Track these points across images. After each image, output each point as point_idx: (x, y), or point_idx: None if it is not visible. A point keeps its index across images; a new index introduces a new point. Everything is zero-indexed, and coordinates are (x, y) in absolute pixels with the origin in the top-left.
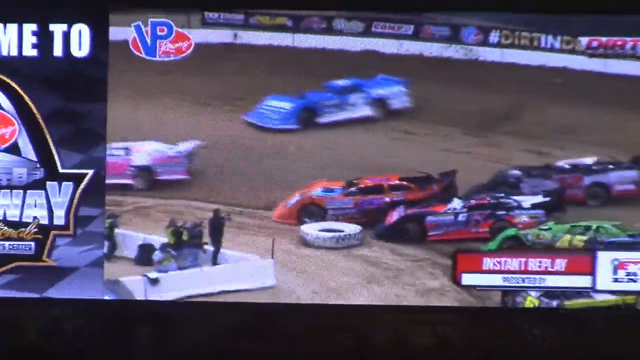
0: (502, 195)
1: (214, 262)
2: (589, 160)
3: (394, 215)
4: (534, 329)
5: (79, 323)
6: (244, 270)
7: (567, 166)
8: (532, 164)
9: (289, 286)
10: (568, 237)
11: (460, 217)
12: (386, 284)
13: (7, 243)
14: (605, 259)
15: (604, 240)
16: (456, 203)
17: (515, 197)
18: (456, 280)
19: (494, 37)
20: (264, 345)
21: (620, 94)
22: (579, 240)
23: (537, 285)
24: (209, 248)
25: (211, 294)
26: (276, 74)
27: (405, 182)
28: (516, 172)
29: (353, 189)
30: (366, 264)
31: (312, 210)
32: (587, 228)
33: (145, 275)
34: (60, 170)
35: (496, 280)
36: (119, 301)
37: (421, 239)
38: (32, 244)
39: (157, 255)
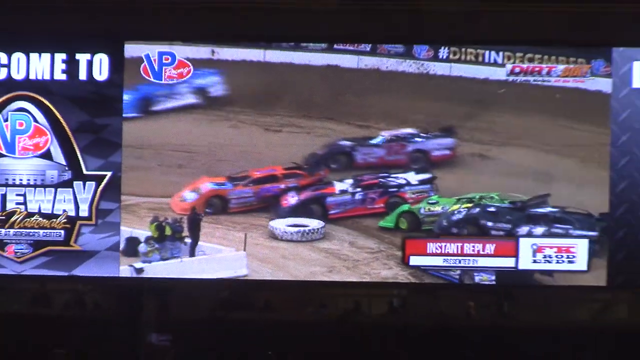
0: (388, 174)
1: (192, 253)
2: (408, 130)
3: (291, 199)
4: (469, 302)
5: (98, 296)
6: (219, 261)
7: (391, 136)
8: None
9: (260, 275)
10: (456, 206)
11: (357, 196)
12: (345, 273)
13: (41, 231)
14: (526, 244)
15: (488, 207)
16: (346, 184)
17: (401, 175)
18: (405, 262)
19: (443, 52)
20: (248, 314)
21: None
22: (466, 206)
23: (471, 265)
24: (188, 241)
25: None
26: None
27: (297, 170)
28: (347, 142)
29: (249, 179)
30: (328, 255)
31: (214, 202)
32: (471, 200)
33: (132, 265)
34: (85, 172)
35: (437, 261)
36: (130, 278)
37: (323, 217)
38: (62, 231)
39: (142, 247)
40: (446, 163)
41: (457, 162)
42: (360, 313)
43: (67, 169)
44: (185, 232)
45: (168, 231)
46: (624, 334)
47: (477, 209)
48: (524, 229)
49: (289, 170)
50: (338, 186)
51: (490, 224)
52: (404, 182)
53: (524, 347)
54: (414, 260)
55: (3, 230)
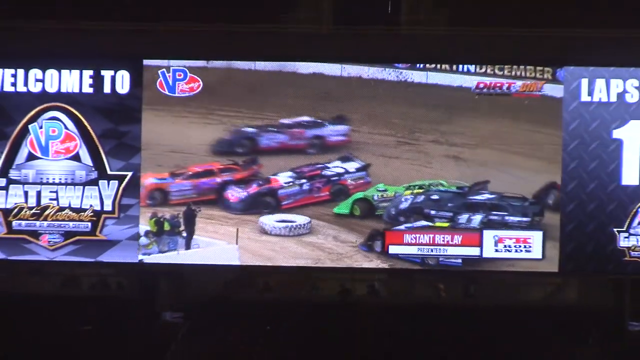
0: (325, 165)
1: (188, 246)
2: (306, 118)
3: (237, 194)
4: (439, 283)
5: (120, 279)
6: (213, 253)
7: (291, 122)
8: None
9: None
10: (408, 192)
11: (305, 187)
12: (330, 265)
13: (71, 223)
14: (489, 236)
15: (431, 195)
16: (287, 177)
17: (339, 165)
18: (385, 251)
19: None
20: (250, 294)
21: None
22: (417, 192)
23: (441, 254)
24: (184, 235)
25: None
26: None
27: (232, 165)
28: (251, 129)
29: (187, 174)
30: (314, 248)
31: (155, 195)
32: (421, 186)
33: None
34: (109, 172)
35: (413, 250)
36: (148, 263)
37: (276, 208)
38: (89, 223)
39: (142, 240)
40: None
41: (433, 162)
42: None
43: (93, 169)
44: (182, 227)
45: (167, 226)
46: (573, 313)
47: (422, 198)
48: (464, 217)
49: (225, 165)
50: (281, 179)
51: (433, 212)
52: (342, 170)
53: (487, 324)
54: (393, 249)
55: (38, 222)
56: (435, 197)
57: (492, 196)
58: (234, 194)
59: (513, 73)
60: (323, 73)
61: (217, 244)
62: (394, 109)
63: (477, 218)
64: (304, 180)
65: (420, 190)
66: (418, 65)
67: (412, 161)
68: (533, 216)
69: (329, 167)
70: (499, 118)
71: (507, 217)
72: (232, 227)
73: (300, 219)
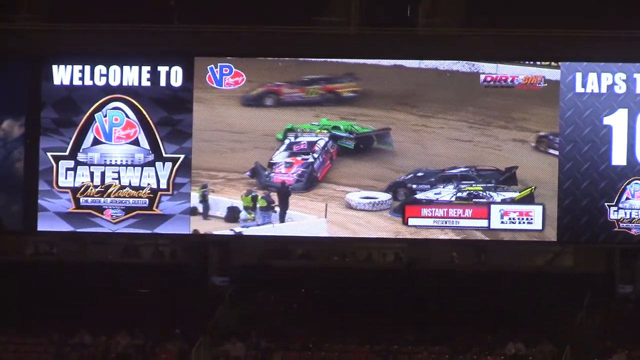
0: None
1: (282, 220)
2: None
3: (287, 177)
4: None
5: (173, 248)
6: (304, 226)
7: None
8: None
9: (336, 235)
10: (317, 130)
11: (320, 159)
12: (407, 235)
13: (131, 199)
14: (495, 209)
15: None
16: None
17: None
18: (405, 222)
19: None
20: (287, 261)
21: None
22: (322, 132)
23: (453, 225)
24: (277, 209)
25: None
26: None
27: None
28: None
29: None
30: (394, 222)
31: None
32: (323, 127)
33: (232, 230)
34: (164, 155)
35: (429, 222)
36: (197, 234)
37: (316, 181)
38: (147, 200)
39: (242, 214)
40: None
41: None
42: (373, 261)
43: (150, 152)
44: (275, 203)
45: (261, 202)
46: (570, 276)
47: (410, 175)
48: (438, 189)
49: None
50: (300, 158)
51: (414, 186)
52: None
53: (495, 286)
54: (412, 222)
55: (102, 199)
56: (420, 174)
57: (465, 169)
58: (284, 178)
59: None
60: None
61: (308, 218)
62: None
63: (450, 188)
64: (315, 154)
65: (325, 131)
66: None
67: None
68: (497, 184)
69: (320, 139)
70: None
71: (475, 184)
72: (322, 203)
73: (382, 196)
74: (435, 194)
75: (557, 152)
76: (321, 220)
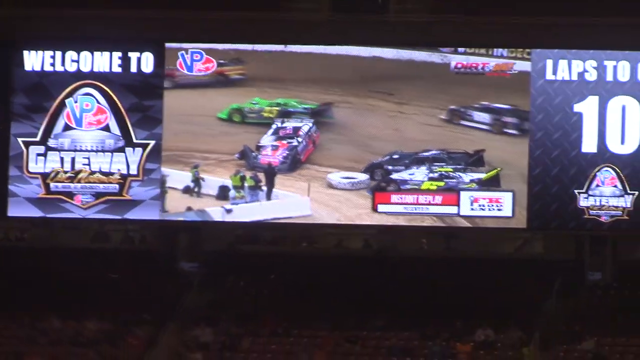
0: (282, 123)
1: (268, 198)
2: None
3: (272, 159)
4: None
5: (143, 233)
6: (289, 204)
7: None
8: None
9: (319, 214)
10: (268, 108)
11: (303, 142)
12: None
13: (101, 185)
14: (465, 196)
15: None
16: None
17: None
18: (374, 209)
19: None
20: (257, 246)
21: None
22: (275, 109)
23: (423, 212)
24: (265, 189)
25: (266, 220)
26: None
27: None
28: None
29: None
30: (369, 200)
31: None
32: (278, 104)
33: (223, 207)
34: (135, 141)
35: (399, 209)
36: (167, 220)
37: (299, 163)
38: (117, 185)
39: (232, 193)
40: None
41: None
42: (341, 247)
43: (121, 138)
44: (263, 182)
45: (249, 182)
46: (539, 263)
47: (387, 157)
48: (412, 170)
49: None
50: (285, 141)
51: (390, 167)
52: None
53: (464, 272)
54: (381, 208)
55: (72, 184)
56: (395, 156)
57: (437, 152)
58: (270, 159)
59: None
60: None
61: (292, 196)
62: None
63: (423, 169)
64: (299, 138)
65: (277, 108)
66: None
67: None
68: (466, 166)
69: (303, 125)
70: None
71: (445, 165)
72: (305, 182)
73: (360, 176)
74: (410, 174)
75: (472, 124)
76: (304, 199)
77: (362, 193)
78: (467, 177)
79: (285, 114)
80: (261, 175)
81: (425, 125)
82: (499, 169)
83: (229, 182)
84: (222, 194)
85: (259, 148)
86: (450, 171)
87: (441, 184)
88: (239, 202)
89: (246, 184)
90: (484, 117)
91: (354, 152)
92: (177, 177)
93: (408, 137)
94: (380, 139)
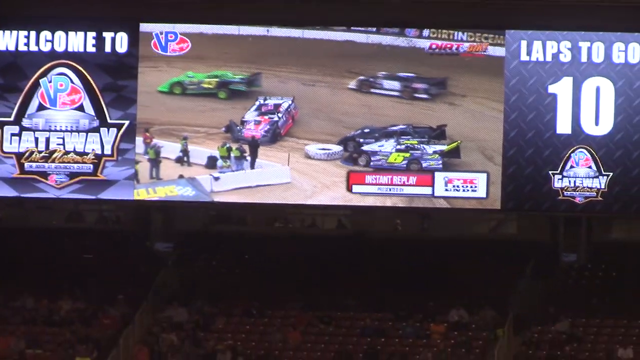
0: (265, 99)
1: (252, 167)
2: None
3: (254, 132)
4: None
5: (118, 213)
6: (271, 173)
7: None
8: None
9: (298, 182)
10: (207, 80)
11: (283, 118)
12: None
13: (75, 165)
14: (439, 177)
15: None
16: (264, 113)
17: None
18: (349, 190)
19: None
20: (230, 227)
21: None
22: (212, 81)
23: (398, 192)
24: (249, 159)
25: (250, 186)
26: None
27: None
28: None
29: None
30: (345, 169)
31: None
32: (216, 75)
33: (212, 175)
34: (109, 121)
35: (373, 189)
36: (140, 200)
37: (279, 137)
38: (91, 165)
39: (219, 162)
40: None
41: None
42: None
43: (95, 118)
44: (247, 153)
45: (235, 152)
46: (513, 244)
47: (358, 131)
48: (381, 142)
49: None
50: (267, 117)
51: (362, 140)
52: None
53: (438, 253)
54: (356, 189)
55: (47, 164)
56: (366, 130)
57: (404, 126)
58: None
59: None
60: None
61: (274, 166)
62: None
63: (391, 142)
64: (279, 114)
65: (214, 80)
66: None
67: None
68: (430, 139)
69: (281, 102)
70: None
71: (411, 138)
72: (285, 153)
73: (335, 148)
74: (379, 146)
75: (383, 92)
76: (285, 168)
77: (337, 163)
78: (430, 149)
79: (224, 84)
80: (246, 147)
81: (393, 102)
82: (459, 141)
83: (216, 153)
84: (211, 163)
85: (243, 123)
86: (415, 143)
87: (407, 154)
88: (226, 170)
89: (232, 155)
90: (394, 84)
91: (329, 126)
92: (170, 148)
93: (378, 113)
94: (353, 115)
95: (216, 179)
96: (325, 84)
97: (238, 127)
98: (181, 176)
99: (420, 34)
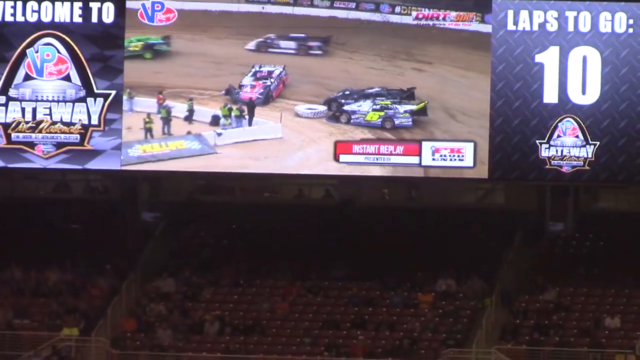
0: (261, 67)
1: (250, 124)
2: None
3: (251, 95)
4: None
5: (104, 184)
6: (266, 129)
7: None
8: None
9: (289, 137)
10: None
11: (275, 82)
12: (338, 137)
13: (62, 135)
14: (427, 146)
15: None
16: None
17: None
18: (336, 159)
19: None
20: (218, 197)
21: None
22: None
23: (385, 162)
24: (247, 117)
25: (247, 140)
26: None
27: None
28: None
29: None
30: (330, 126)
31: None
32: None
33: (215, 131)
34: (96, 91)
35: (360, 159)
36: (126, 171)
37: (272, 98)
38: (78, 135)
39: (222, 120)
40: None
41: None
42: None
43: (82, 88)
44: (245, 112)
45: (235, 112)
46: (501, 214)
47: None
48: (360, 103)
49: None
50: (261, 82)
51: (343, 100)
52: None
53: (426, 223)
54: (343, 158)
55: (33, 135)
56: (347, 92)
57: (379, 89)
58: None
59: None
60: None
61: (268, 123)
62: None
63: (368, 102)
64: (272, 79)
65: (141, 43)
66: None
67: None
68: (401, 99)
69: (272, 68)
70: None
71: (385, 99)
72: (277, 113)
73: (320, 108)
74: (358, 106)
75: (281, 51)
76: (277, 125)
77: (322, 121)
78: (402, 108)
79: (148, 47)
80: (244, 107)
81: (369, 69)
82: (426, 102)
83: (219, 112)
84: (214, 121)
85: (240, 87)
86: (389, 104)
87: (382, 113)
88: (227, 127)
89: (233, 114)
90: (290, 44)
91: (315, 89)
92: (179, 108)
93: (357, 78)
94: (335, 79)
95: (219, 134)
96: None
97: (236, 90)
98: (189, 132)
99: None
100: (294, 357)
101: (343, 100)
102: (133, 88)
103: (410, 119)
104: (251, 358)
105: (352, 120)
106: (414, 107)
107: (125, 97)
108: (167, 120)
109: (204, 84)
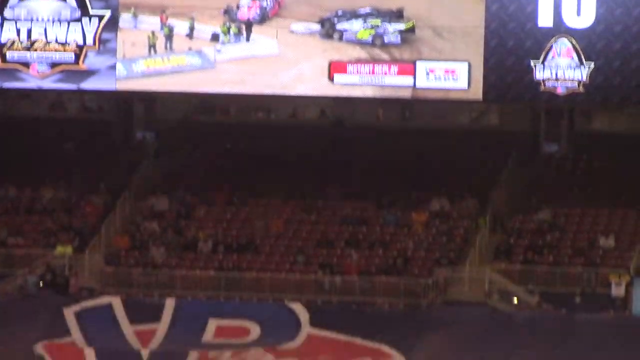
0: None
1: (247, 40)
2: None
3: (249, 12)
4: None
5: (100, 102)
6: (263, 45)
7: None
8: None
9: (283, 52)
10: None
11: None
12: (333, 54)
13: (57, 54)
14: (421, 66)
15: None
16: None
17: None
18: (331, 79)
19: None
20: (213, 116)
21: None
22: None
23: (379, 83)
24: (244, 33)
25: (245, 56)
26: None
27: None
28: None
29: None
30: (323, 42)
31: None
32: None
33: (215, 48)
34: (91, 12)
35: (355, 79)
36: (122, 91)
37: (267, 17)
38: (73, 55)
39: (221, 37)
40: None
41: None
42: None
43: (77, 9)
44: (243, 29)
45: (233, 29)
46: (495, 134)
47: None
48: (351, 22)
49: None
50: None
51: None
52: None
53: (420, 143)
54: (337, 79)
55: (28, 54)
56: (340, 12)
57: (370, 9)
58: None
59: None
60: None
61: (265, 39)
62: None
63: (359, 22)
64: (268, 1)
65: None
66: None
67: None
68: (390, 19)
69: None
70: None
71: (375, 19)
72: (274, 30)
73: (314, 26)
74: (350, 25)
75: None
76: (273, 41)
77: (316, 37)
78: (391, 27)
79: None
80: (242, 25)
81: None
82: (413, 21)
83: (218, 30)
84: (214, 38)
85: (238, 7)
86: (379, 23)
87: (372, 31)
88: (227, 44)
89: (231, 31)
90: None
91: (309, 10)
92: (181, 26)
93: None
94: (329, 0)
95: (218, 50)
96: None
97: (234, 10)
98: (190, 48)
99: None
100: (288, 275)
101: (336, 19)
102: (137, 8)
103: (398, 37)
104: (244, 276)
105: (344, 37)
106: (402, 27)
107: (130, 15)
108: (169, 37)
109: (204, 3)
